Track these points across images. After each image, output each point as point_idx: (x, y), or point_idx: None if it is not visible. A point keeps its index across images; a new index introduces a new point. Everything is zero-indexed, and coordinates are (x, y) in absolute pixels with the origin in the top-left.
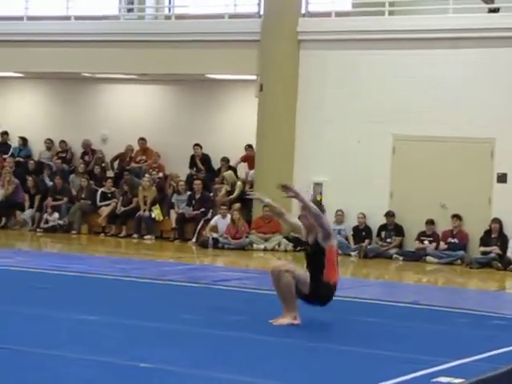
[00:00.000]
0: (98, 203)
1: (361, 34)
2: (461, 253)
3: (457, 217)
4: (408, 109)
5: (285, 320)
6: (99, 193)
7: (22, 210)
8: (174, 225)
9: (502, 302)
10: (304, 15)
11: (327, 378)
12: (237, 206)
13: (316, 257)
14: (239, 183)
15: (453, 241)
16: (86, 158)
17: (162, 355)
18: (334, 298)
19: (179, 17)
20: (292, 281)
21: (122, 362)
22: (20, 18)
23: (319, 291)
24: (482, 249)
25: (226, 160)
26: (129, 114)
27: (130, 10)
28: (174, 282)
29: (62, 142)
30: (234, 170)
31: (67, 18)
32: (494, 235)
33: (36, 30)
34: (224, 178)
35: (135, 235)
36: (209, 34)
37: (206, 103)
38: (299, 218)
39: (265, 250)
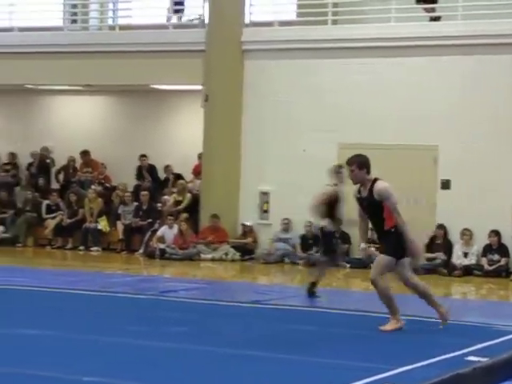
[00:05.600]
0: (44, 215)
1: (304, 43)
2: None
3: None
4: (353, 117)
5: (389, 326)
6: (44, 205)
7: None
8: (120, 236)
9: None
10: (248, 25)
11: None
12: (184, 216)
13: (372, 208)
14: (188, 194)
15: None
16: (32, 169)
17: (105, 369)
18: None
19: (123, 27)
20: (385, 285)
21: (65, 376)
22: None
23: (384, 238)
24: (428, 255)
25: (169, 169)
26: (74, 126)
27: (73, 21)
28: (121, 294)
29: (11, 154)
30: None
31: (10, 29)
32: (438, 241)
33: None
34: (184, 188)
35: (81, 247)
36: (153, 45)
37: (151, 114)
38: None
39: (212, 259)
